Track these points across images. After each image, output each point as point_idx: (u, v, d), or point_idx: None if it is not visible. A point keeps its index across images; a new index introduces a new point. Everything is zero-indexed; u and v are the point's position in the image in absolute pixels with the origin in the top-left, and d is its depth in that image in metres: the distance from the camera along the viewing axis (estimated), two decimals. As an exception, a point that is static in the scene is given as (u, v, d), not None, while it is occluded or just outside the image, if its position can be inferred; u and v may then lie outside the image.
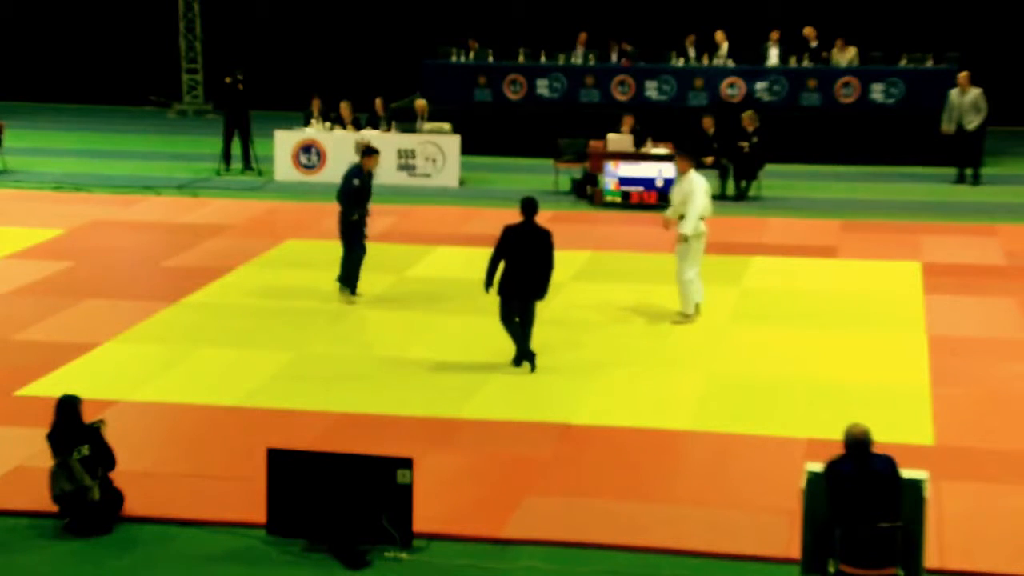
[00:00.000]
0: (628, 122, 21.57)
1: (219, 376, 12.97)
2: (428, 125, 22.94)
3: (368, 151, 15.65)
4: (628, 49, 25.71)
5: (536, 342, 13.98)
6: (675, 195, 14.73)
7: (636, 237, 18.65)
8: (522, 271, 12.88)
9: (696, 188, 14.38)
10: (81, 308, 15.13)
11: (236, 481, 10.40)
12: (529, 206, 13.07)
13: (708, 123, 21.75)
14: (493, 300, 15.33)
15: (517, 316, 13.01)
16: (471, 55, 26.17)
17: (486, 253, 17.30)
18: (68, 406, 9.78)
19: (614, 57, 25.80)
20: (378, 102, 23.41)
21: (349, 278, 15.50)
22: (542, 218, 19.62)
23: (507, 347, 13.79)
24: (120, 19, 32.22)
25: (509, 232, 12.98)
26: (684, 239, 14.29)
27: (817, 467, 8.37)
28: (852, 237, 18.53)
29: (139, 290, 15.89)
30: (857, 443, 8.22)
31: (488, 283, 12.98)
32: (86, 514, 9.60)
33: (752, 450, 11.11)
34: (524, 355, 13.08)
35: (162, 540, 9.55)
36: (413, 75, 26.60)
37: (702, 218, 14.49)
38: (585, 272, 16.70)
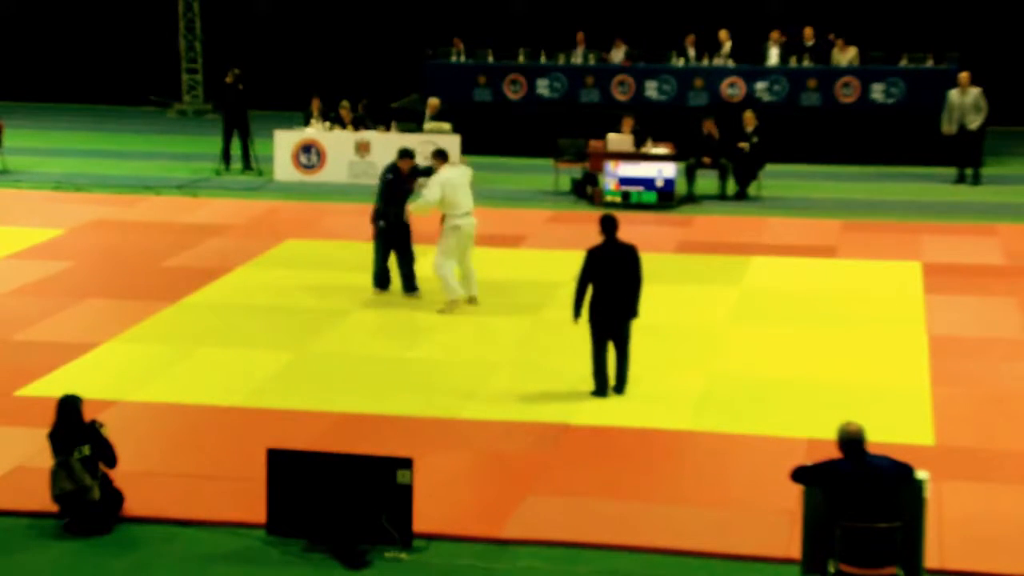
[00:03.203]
0: (628, 123, 21.56)
1: (219, 376, 12.96)
2: (428, 125, 22.94)
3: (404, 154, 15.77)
4: (626, 49, 25.71)
5: (535, 342, 13.99)
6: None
7: (636, 237, 18.56)
8: (614, 293, 12.27)
9: (432, 180, 15.00)
10: (81, 308, 15.13)
11: (236, 481, 10.39)
12: (610, 224, 12.38)
13: (710, 125, 21.73)
14: (495, 300, 15.39)
15: (611, 342, 12.37)
16: (461, 55, 26.15)
17: (486, 253, 17.39)
18: (69, 406, 9.78)
19: (616, 56, 25.75)
20: (360, 106, 23.41)
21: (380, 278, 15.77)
22: (542, 218, 19.79)
23: (507, 346, 13.81)
24: (120, 19, 32.24)
25: (595, 255, 12.27)
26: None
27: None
28: (852, 237, 18.53)
29: (139, 290, 15.88)
30: (852, 441, 8.22)
31: (577, 312, 12.31)
32: (86, 514, 9.60)
33: (752, 450, 11.11)
34: (622, 381, 12.42)
35: (162, 540, 9.55)
36: (413, 75, 26.63)
37: (468, 213, 14.95)
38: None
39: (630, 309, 12.38)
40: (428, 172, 15.58)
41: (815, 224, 19.40)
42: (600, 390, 12.41)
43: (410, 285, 15.62)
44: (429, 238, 16.95)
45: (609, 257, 12.32)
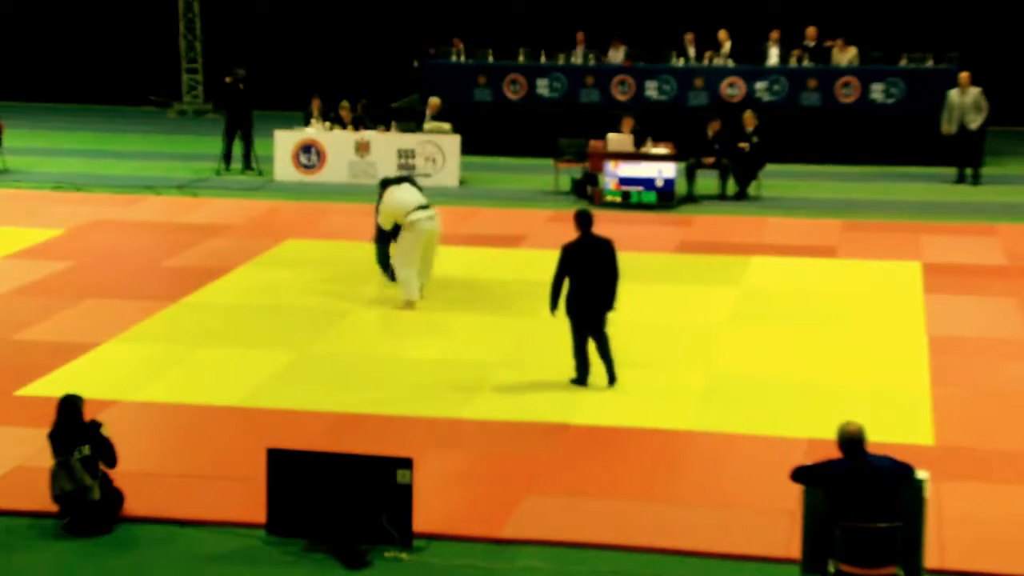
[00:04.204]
0: (628, 123, 21.56)
1: (219, 376, 12.97)
2: (428, 125, 22.94)
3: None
4: (626, 49, 25.71)
5: (536, 342, 13.98)
6: None
7: (636, 237, 18.65)
8: (590, 287, 12.39)
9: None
10: (81, 308, 15.13)
11: (236, 481, 10.39)
12: (585, 219, 12.52)
13: (715, 126, 21.71)
14: (494, 300, 15.41)
15: (590, 334, 12.53)
16: (461, 55, 26.15)
17: (486, 253, 17.41)
18: (70, 406, 9.78)
19: (613, 54, 25.75)
20: (359, 107, 23.43)
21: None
22: (542, 218, 19.78)
23: (507, 346, 13.81)
24: (120, 19, 32.23)
25: (570, 250, 12.45)
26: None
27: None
28: (852, 237, 18.53)
29: (139, 290, 15.88)
30: (852, 441, 8.22)
31: (554, 306, 12.45)
32: (86, 514, 9.60)
33: (752, 450, 11.11)
34: (611, 373, 12.56)
35: (162, 540, 9.55)
36: (412, 75, 26.63)
37: (420, 208, 15.05)
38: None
39: (606, 302, 12.50)
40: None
41: (815, 224, 19.40)
42: (581, 379, 12.59)
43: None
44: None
45: (585, 252, 12.47)
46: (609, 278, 12.47)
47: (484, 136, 24.41)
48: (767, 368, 13.16)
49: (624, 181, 20.72)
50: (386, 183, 15.63)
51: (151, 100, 32.04)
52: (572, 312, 12.45)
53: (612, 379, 12.58)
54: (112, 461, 9.76)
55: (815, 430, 11.02)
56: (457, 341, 14.13)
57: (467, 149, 22.79)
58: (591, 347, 12.60)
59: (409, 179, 15.85)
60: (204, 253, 17.69)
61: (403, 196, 15.29)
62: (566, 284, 12.44)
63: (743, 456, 11.01)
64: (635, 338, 14.07)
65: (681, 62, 25.33)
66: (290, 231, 18.95)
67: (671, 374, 13.02)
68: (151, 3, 32.07)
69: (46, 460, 9.80)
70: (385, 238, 15.87)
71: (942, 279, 16.25)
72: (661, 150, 21.30)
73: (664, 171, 20.66)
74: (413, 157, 22.48)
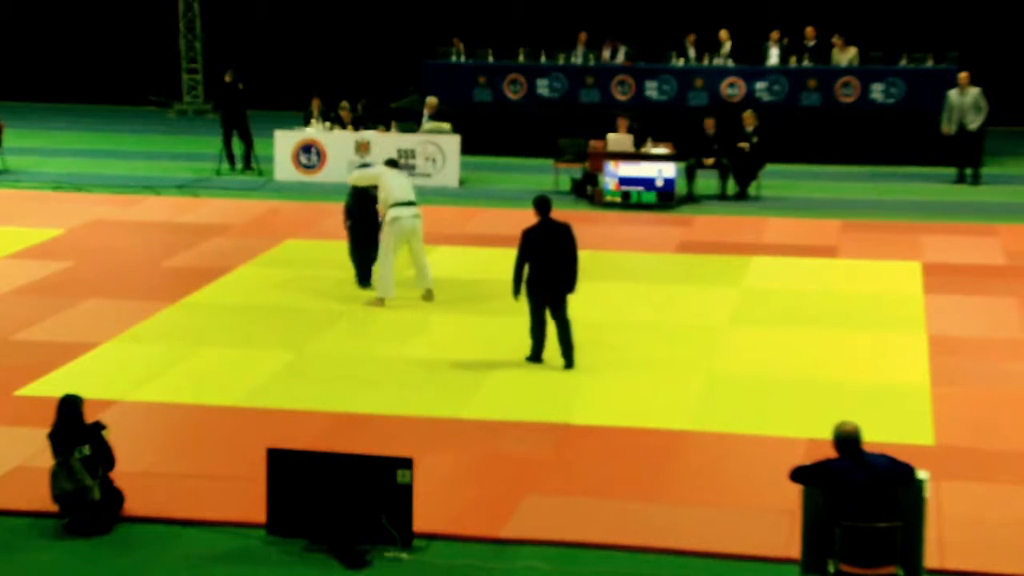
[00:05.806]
0: (623, 123, 21.55)
1: (219, 376, 12.97)
2: (427, 124, 22.93)
3: None
4: (626, 49, 25.71)
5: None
6: None
7: (636, 237, 18.66)
8: (549, 270, 12.83)
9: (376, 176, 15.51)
10: (81, 308, 15.13)
11: (236, 481, 10.39)
12: (543, 204, 12.97)
13: (710, 124, 21.76)
14: (494, 300, 15.39)
15: (551, 317, 13.00)
16: (460, 55, 26.14)
17: (486, 253, 17.41)
18: (70, 406, 9.78)
19: (607, 54, 25.76)
20: (359, 107, 23.44)
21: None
22: (542, 218, 19.79)
23: (507, 346, 13.80)
24: (120, 19, 32.24)
25: (529, 235, 12.87)
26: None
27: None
28: (852, 237, 18.53)
29: (139, 290, 15.88)
30: (848, 440, 8.22)
31: (516, 290, 12.89)
32: (86, 514, 9.60)
33: (752, 450, 11.11)
34: (569, 357, 13.00)
35: (162, 540, 9.55)
36: (413, 75, 26.64)
37: (405, 204, 15.00)
38: (584, 272, 16.45)
39: (567, 284, 12.94)
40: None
41: (815, 224, 19.40)
42: (535, 356, 13.10)
43: (365, 278, 15.93)
44: (436, 238, 17.00)
45: (544, 236, 12.86)
46: (569, 261, 12.89)
47: (484, 136, 24.42)
48: (767, 368, 13.17)
49: (624, 181, 20.72)
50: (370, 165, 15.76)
51: (151, 100, 32.05)
52: (532, 294, 12.87)
53: (569, 363, 12.99)
54: (110, 464, 9.76)
55: (815, 430, 11.00)
56: (457, 341, 14.13)
57: (467, 149, 22.80)
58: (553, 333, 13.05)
59: (394, 163, 15.80)
60: (204, 253, 17.69)
61: (394, 181, 15.18)
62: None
63: (743, 456, 11.01)
64: (635, 338, 14.09)
65: (681, 62, 25.34)
66: (290, 231, 18.96)
67: (671, 374, 13.02)
68: (151, 3, 32.09)
69: (46, 460, 9.80)
70: (358, 239, 15.78)
71: (942, 279, 16.25)
72: (661, 150, 21.31)
73: (664, 171, 20.67)
74: (413, 157, 22.48)
